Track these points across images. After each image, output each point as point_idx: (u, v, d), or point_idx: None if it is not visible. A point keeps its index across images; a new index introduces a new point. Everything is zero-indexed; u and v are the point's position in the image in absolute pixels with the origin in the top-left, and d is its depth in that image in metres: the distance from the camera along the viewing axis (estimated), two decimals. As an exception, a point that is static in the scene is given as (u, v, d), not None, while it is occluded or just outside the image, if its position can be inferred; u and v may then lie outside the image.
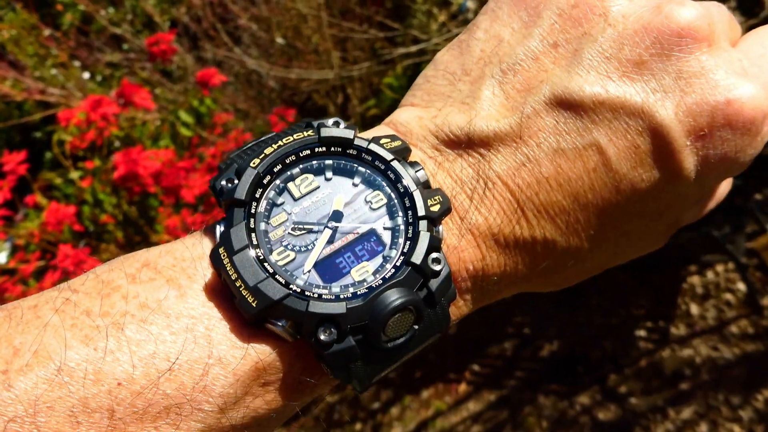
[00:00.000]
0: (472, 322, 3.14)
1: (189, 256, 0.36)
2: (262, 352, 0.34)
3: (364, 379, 0.36)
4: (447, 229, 0.40)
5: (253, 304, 0.34)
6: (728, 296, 2.69)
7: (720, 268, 2.78)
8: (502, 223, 0.39)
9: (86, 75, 3.70)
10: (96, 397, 0.29)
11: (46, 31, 3.62)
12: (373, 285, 0.36)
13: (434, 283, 0.37)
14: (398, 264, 0.38)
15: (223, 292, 0.35)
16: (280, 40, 3.15)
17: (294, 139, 0.40)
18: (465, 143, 0.40)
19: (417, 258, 0.37)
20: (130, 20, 3.81)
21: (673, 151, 0.39)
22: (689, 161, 0.39)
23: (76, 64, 3.67)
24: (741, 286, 2.68)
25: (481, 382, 2.93)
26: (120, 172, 1.89)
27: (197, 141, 2.25)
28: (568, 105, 0.39)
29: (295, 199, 0.39)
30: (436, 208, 0.38)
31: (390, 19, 2.79)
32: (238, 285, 0.34)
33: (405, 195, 0.39)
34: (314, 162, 0.40)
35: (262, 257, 0.36)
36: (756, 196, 2.78)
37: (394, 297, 0.35)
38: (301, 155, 0.40)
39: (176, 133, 2.26)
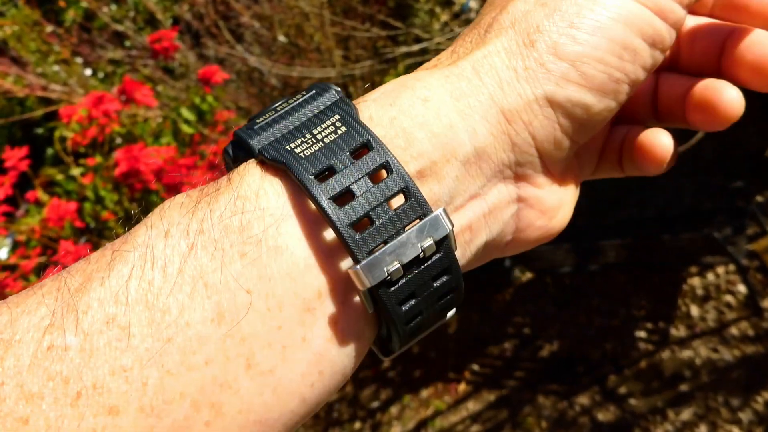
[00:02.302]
0: (472, 321, 3.14)
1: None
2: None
3: (260, 131, 0.33)
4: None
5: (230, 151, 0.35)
6: (729, 298, 2.69)
7: (721, 269, 2.78)
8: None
9: (88, 72, 3.71)
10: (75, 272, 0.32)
11: (49, 28, 3.62)
12: None
13: None
14: None
15: None
16: (282, 38, 3.15)
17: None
18: None
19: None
20: (132, 17, 3.82)
21: None
22: None
23: (78, 60, 3.67)
24: (741, 288, 2.67)
25: (480, 382, 2.93)
26: (121, 168, 1.89)
27: (199, 138, 2.25)
28: None
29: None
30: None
31: (392, 18, 2.79)
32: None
33: None
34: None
35: None
36: (757, 198, 2.77)
37: None
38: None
39: (178, 131, 2.26)
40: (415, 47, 2.55)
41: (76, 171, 2.10)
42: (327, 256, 0.30)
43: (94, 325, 0.27)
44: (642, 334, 2.76)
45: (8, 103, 3.68)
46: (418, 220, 0.30)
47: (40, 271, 1.92)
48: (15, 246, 2.06)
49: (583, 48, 0.34)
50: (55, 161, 3.08)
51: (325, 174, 0.30)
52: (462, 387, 2.95)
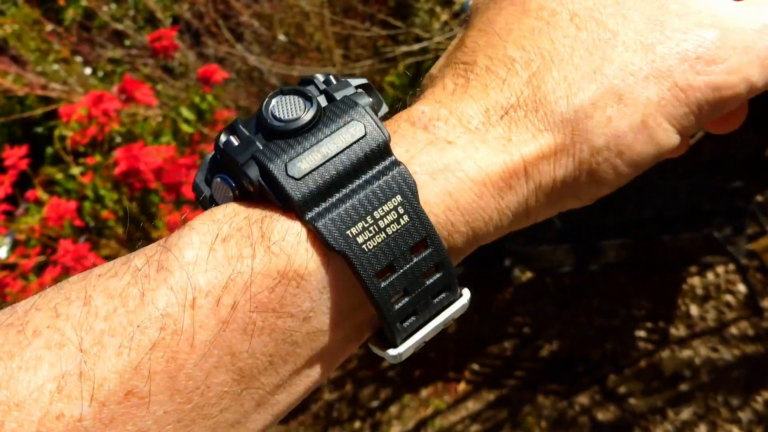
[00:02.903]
0: (472, 321, 3.14)
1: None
2: (216, 209, 0.33)
3: (279, 166, 0.32)
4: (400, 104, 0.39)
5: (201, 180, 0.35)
6: (728, 298, 2.69)
7: (720, 269, 2.78)
8: (443, 78, 0.38)
9: (88, 70, 3.71)
10: (76, 288, 0.29)
11: (49, 27, 3.62)
12: None
13: (329, 88, 0.35)
14: None
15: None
16: (282, 37, 3.15)
17: None
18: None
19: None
20: (132, 16, 3.81)
21: None
22: None
23: (78, 59, 3.67)
24: (741, 288, 2.68)
25: (480, 382, 2.93)
26: (121, 168, 1.89)
27: (198, 138, 2.25)
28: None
29: None
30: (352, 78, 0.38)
31: (392, 18, 2.79)
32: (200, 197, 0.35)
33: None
34: None
35: None
36: (757, 197, 2.77)
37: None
38: None
39: (177, 130, 2.26)
40: (416, 46, 2.55)
41: (75, 170, 2.10)
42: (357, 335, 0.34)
43: (111, 397, 0.27)
44: (642, 333, 2.76)
45: (8, 102, 3.68)
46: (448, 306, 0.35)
47: (40, 270, 1.92)
48: (14, 245, 2.06)
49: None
50: (55, 160, 3.08)
51: (386, 272, 0.32)
52: (462, 386, 2.95)
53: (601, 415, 2.60)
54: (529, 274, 3.18)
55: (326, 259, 0.31)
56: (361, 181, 0.32)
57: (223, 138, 0.34)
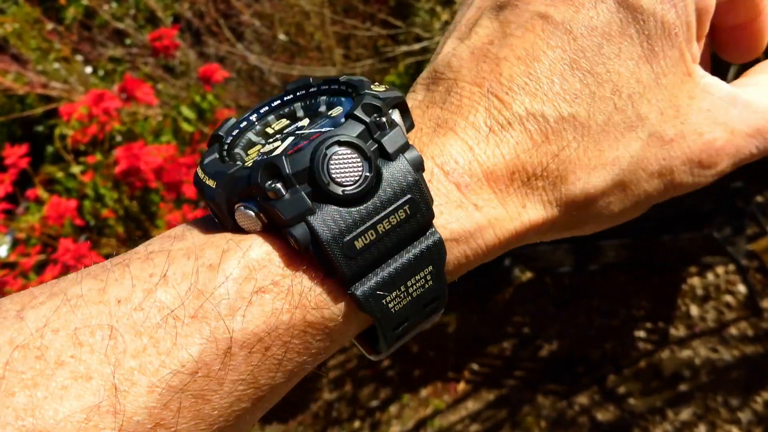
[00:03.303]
0: (472, 321, 3.14)
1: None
2: (245, 247, 0.33)
3: (332, 239, 0.32)
4: (422, 133, 0.38)
5: (213, 185, 0.34)
6: (728, 298, 2.69)
7: (720, 269, 2.78)
8: (477, 113, 0.38)
9: (88, 69, 3.71)
10: (97, 316, 0.30)
11: (49, 25, 3.62)
12: (314, 138, 0.35)
13: (381, 135, 0.35)
14: (341, 121, 0.36)
15: (211, 221, 0.36)
16: (282, 37, 3.15)
17: (267, 99, 0.43)
18: (434, 78, 0.42)
19: (354, 110, 0.35)
20: (133, 15, 3.81)
21: None
22: None
23: (79, 58, 3.67)
24: (741, 288, 2.68)
25: (480, 382, 2.93)
26: (121, 167, 1.89)
27: (199, 137, 2.25)
28: (504, 5, 0.40)
29: (269, 136, 0.40)
30: (380, 89, 0.37)
31: (393, 17, 2.79)
32: (202, 178, 0.35)
33: (354, 92, 0.39)
34: (286, 108, 0.42)
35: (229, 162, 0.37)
36: (757, 198, 2.77)
37: (331, 134, 0.34)
38: (273, 105, 0.42)
39: (178, 129, 2.26)
40: (416, 46, 2.55)
41: (76, 169, 2.10)
42: None
43: (140, 428, 0.30)
44: (641, 334, 2.76)
45: (8, 101, 3.68)
46: None
47: (40, 268, 1.92)
48: (15, 243, 2.06)
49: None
50: (55, 159, 3.08)
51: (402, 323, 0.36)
52: (461, 386, 2.95)
53: (600, 415, 2.60)
54: (528, 274, 3.18)
55: (355, 314, 0.34)
56: (403, 253, 0.35)
57: (267, 181, 0.33)
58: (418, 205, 0.34)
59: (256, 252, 0.32)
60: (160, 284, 0.31)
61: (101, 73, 3.68)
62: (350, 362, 3.24)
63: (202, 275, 0.31)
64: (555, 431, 2.63)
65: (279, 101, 0.42)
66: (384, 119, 0.35)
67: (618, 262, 2.89)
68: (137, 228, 2.05)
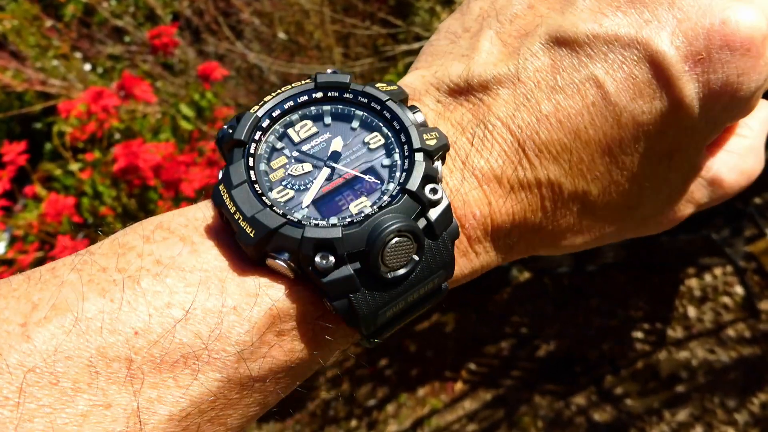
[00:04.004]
0: (470, 321, 3.14)
1: (201, 215, 0.37)
2: (275, 298, 0.34)
3: (368, 314, 0.35)
4: (449, 173, 0.39)
5: (251, 234, 0.34)
6: (726, 299, 2.69)
7: (718, 271, 2.78)
8: (504, 165, 0.39)
9: (87, 67, 3.70)
10: (113, 346, 0.30)
11: (48, 22, 3.61)
12: (370, 212, 0.36)
13: (433, 213, 0.37)
14: (395, 193, 0.37)
15: (234, 243, 0.36)
16: (282, 35, 3.14)
17: (292, 87, 0.41)
18: (465, 90, 0.40)
19: (412, 185, 0.36)
20: (132, 13, 3.81)
21: (671, 77, 0.38)
22: (690, 88, 0.39)
23: (78, 55, 3.66)
24: (739, 290, 2.68)
25: (477, 381, 2.93)
26: (120, 164, 1.89)
27: (198, 135, 2.25)
28: (563, 43, 0.39)
29: (294, 144, 0.40)
30: (432, 142, 0.38)
31: (393, 16, 2.78)
32: (236, 217, 0.35)
33: (401, 132, 0.39)
34: (312, 108, 0.41)
35: (260, 192, 0.37)
36: (755, 200, 2.78)
37: (390, 221, 0.35)
38: (300, 101, 0.40)
39: (177, 127, 2.26)
40: (416, 45, 2.55)
41: (74, 166, 2.10)
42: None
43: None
44: (639, 334, 2.76)
45: (7, 98, 3.67)
46: None
47: (37, 266, 1.91)
48: (12, 241, 2.06)
49: None
50: (54, 156, 3.07)
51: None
52: (459, 386, 2.95)
53: (597, 416, 2.60)
54: (527, 274, 3.18)
55: (355, 334, 0.39)
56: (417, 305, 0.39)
57: (318, 253, 0.34)
58: (448, 275, 0.37)
59: (282, 302, 0.34)
60: (181, 323, 0.31)
61: (100, 70, 3.68)
62: (348, 361, 3.24)
63: (226, 319, 0.32)
64: (552, 431, 2.63)
65: (306, 97, 0.40)
66: (437, 196, 0.37)
67: (616, 262, 2.89)
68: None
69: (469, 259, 0.40)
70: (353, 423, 3.04)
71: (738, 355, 2.52)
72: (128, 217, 2.04)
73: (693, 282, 2.80)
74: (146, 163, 1.89)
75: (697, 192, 0.46)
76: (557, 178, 0.39)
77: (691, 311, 2.72)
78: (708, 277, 2.78)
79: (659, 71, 0.38)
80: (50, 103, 2.98)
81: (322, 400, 3.18)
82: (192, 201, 2.09)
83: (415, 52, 2.61)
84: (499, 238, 0.40)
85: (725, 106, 0.40)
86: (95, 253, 0.34)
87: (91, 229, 2.08)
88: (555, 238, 0.42)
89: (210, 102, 2.26)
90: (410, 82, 0.44)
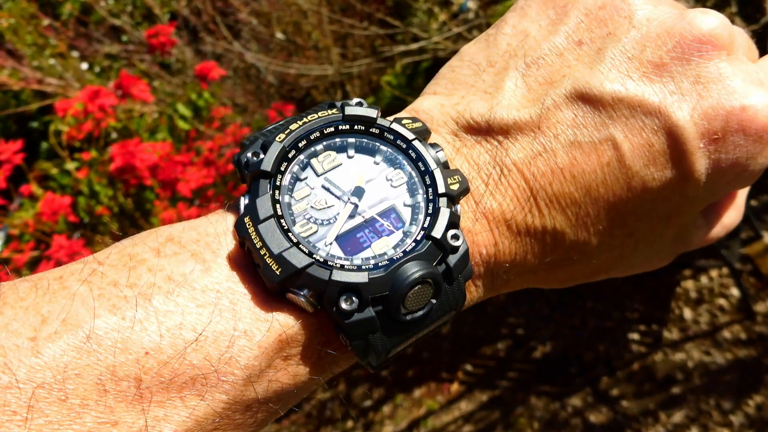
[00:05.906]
0: (466, 322, 3.14)
1: (213, 231, 0.37)
2: (286, 325, 0.34)
3: (382, 352, 0.36)
4: (462, 212, 0.40)
5: (277, 272, 0.35)
6: (722, 301, 2.70)
7: (714, 273, 2.78)
8: (515, 210, 0.40)
9: (84, 66, 3.69)
10: (123, 365, 0.30)
11: (45, 21, 3.60)
12: (394, 257, 0.37)
13: (453, 259, 0.38)
14: (419, 238, 0.38)
15: (246, 265, 0.36)
16: (279, 35, 3.14)
17: (319, 117, 0.41)
18: (484, 130, 0.41)
19: (437, 233, 0.37)
20: (129, 12, 3.80)
21: (686, 152, 0.39)
22: (701, 163, 0.40)
23: (75, 54, 3.66)
24: (734, 292, 2.68)
25: (473, 382, 2.93)
26: (117, 164, 1.88)
27: (195, 134, 2.25)
28: (588, 99, 0.40)
29: (318, 175, 0.40)
30: (455, 187, 0.39)
31: (391, 17, 2.78)
32: (262, 253, 0.35)
33: (425, 173, 0.40)
34: (337, 139, 0.41)
35: (286, 227, 0.37)
36: (751, 202, 2.78)
37: (414, 269, 0.36)
38: (325, 132, 0.41)
39: (174, 126, 2.26)
40: (413, 46, 2.55)
41: (70, 165, 2.09)
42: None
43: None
44: (635, 336, 2.77)
45: (3, 96, 3.66)
46: None
47: (33, 264, 1.91)
48: (8, 240, 2.05)
49: None
50: (50, 155, 3.07)
51: None
52: (455, 387, 2.95)
53: (593, 417, 2.60)
54: (523, 276, 3.18)
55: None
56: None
57: (345, 306, 0.35)
58: (458, 312, 0.39)
59: (292, 329, 0.35)
60: (192, 345, 0.31)
61: (97, 69, 3.67)
62: (344, 362, 3.24)
63: (237, 343, 0.33)
64: (548, 433, 2.64)
65: (333, 129, 0.41)
66: (458, 243, 0.38)
67: (612, 264, 2.89)
68: (132, 225, 2.04)
69: (470, 291, 0.41)
70: (349, 424, 3.04)
71: (733, 356, 2.52)
72: (124, 217, 2.03)
73: (689, 284, 2.81)
74: (143, 163, 1.89)
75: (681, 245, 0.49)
76: (562, 228, 0.41)
77: (687, 313, 2.73)
78: (704, 279, 2.79)
79: (676, 144, 0.39)
80: (47, 102, 2.97)
81: (318, 400, 3.18)
82: (188, 201, 2.08)
83: (413, 53, 2.61)
84: (498, 275, 0.42)
85: (729, 182, 0.42)
86: (104, 263, 0.33)
87: (87, 229, 2.07)
88: (548, 278, 0.45)
89: (207, 102, 2.26)
90: (428, 108, 0.44)
